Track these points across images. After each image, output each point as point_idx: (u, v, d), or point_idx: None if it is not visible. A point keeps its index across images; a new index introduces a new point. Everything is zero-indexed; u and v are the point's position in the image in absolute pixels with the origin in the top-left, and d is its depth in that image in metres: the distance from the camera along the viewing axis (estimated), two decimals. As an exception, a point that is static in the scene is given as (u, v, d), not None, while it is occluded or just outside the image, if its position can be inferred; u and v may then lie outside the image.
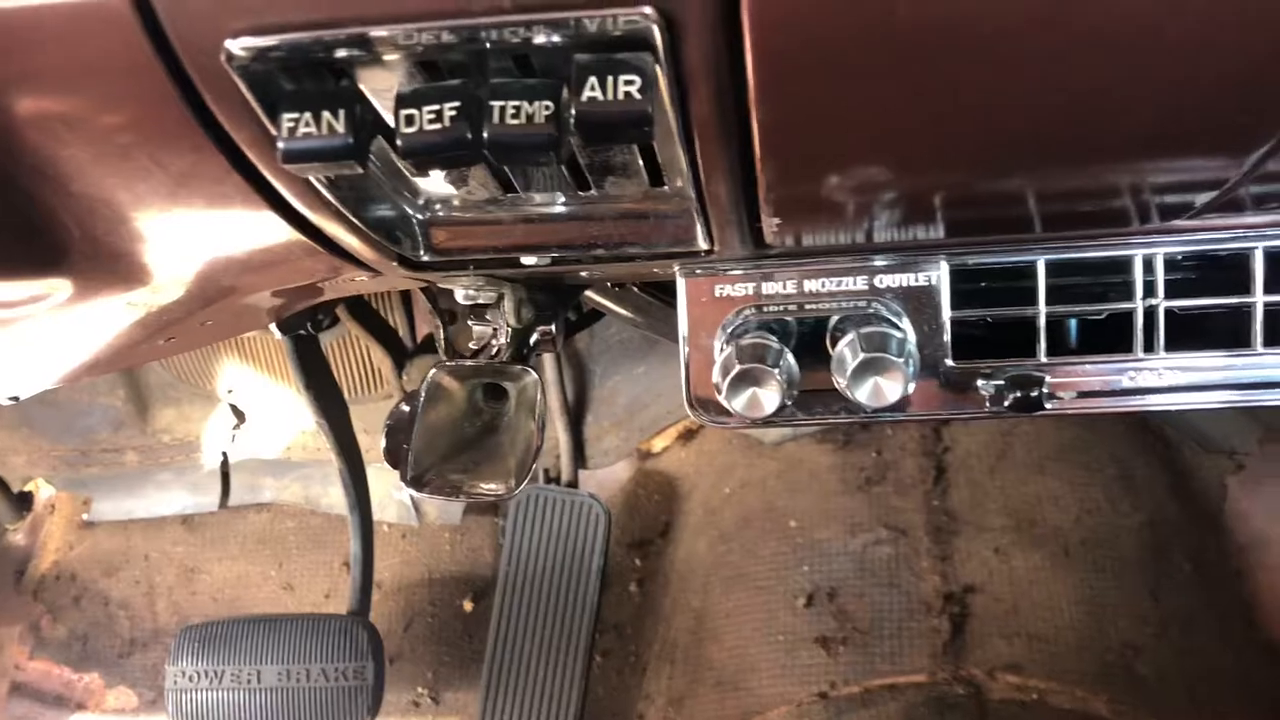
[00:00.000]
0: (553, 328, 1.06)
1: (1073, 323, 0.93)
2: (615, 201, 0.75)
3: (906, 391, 0.82)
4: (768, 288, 0.88)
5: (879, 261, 0.86)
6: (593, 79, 0.56)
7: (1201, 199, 0.72)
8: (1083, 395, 0.87)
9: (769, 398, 0.84)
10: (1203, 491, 1.78)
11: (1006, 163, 0.67)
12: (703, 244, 0.79)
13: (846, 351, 0.83)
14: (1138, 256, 0.85)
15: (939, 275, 0.86)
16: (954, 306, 0.86)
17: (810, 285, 0.88)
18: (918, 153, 0.65)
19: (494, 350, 1.06)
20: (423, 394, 0.99)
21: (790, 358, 0.85)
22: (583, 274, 1.01)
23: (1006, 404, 0.86)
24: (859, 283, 0.87)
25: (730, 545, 1.73)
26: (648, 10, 0.56)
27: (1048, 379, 0.87)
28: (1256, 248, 0.83)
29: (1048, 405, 0.87)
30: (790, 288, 0.88)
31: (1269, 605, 1.73)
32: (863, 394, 0.82)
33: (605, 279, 1.24)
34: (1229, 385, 0.86)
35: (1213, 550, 1.73)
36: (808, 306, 0.88)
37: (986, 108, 0.60)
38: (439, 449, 1.01)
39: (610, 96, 0.56)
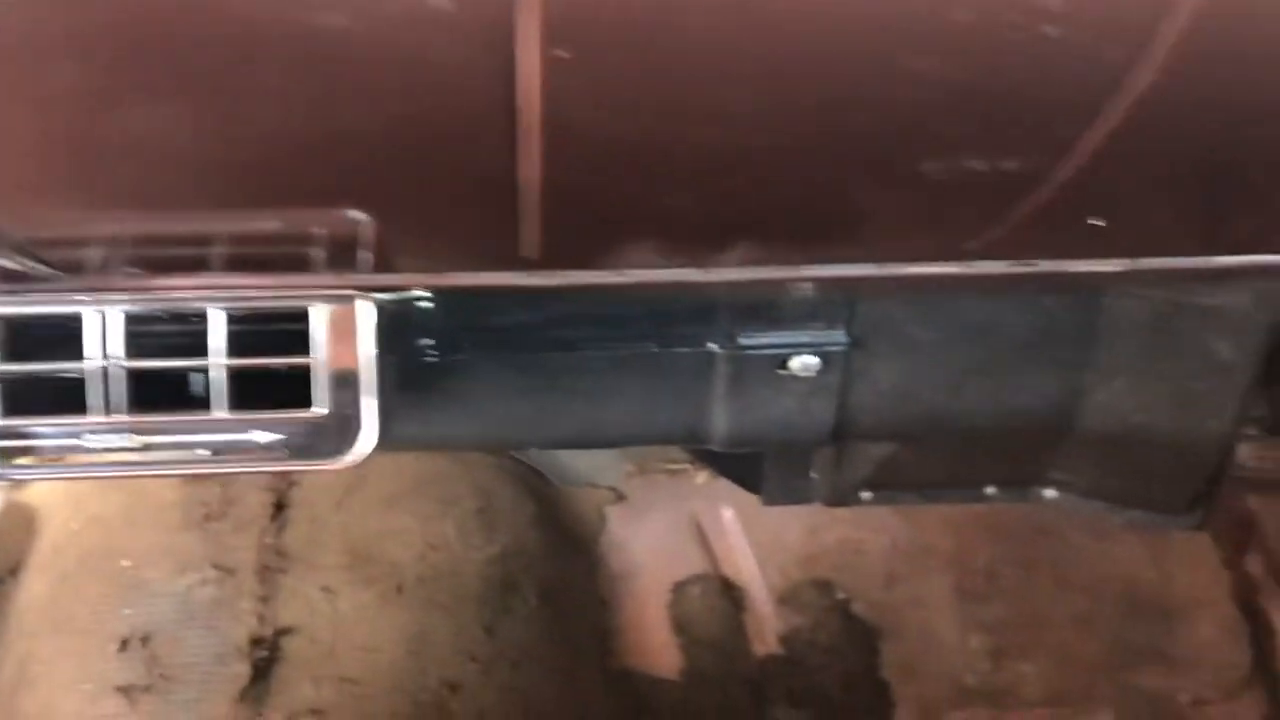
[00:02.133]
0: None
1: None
2: None
3: None
4: None
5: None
6: None
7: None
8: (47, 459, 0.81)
9: None
10: (578, 522, 1.81)
11: None
12: None
13: None
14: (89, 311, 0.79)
15: None
16: None
17: None
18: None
19: None
20: None
21: None
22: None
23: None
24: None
25: (65, 586, 1.61)
26: None
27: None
28: (211, 308, 0.79)
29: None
30: None
31: (631, 634, 1.77)
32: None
33: None
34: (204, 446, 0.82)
35: (578, 581, 1.76)
36: None
37: None
38: None
39: None
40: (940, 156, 0.58)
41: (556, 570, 1.71)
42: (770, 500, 1.59)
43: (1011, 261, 0.74)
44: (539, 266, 0.69)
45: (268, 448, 0.79)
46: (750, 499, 1.85)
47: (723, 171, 0.56)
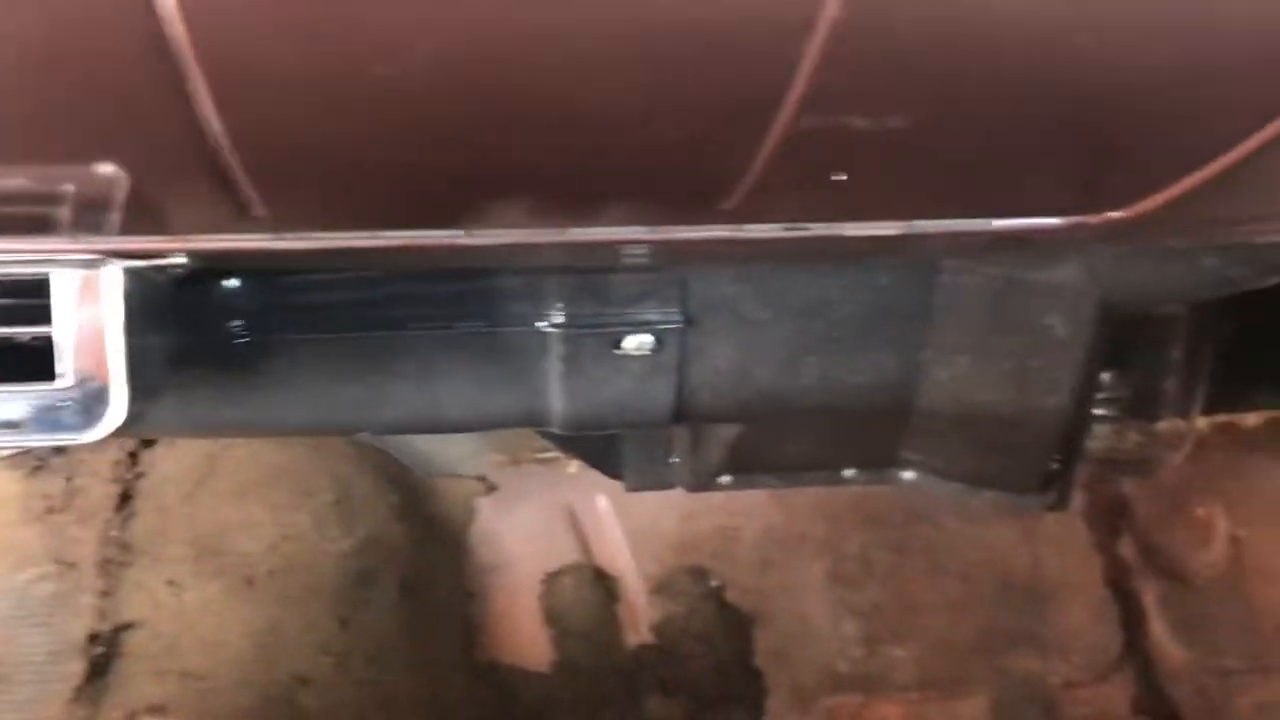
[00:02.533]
0: None
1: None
2: None
3: None
4: None
5: None
6: None
7: None
8: None
9: None
10: (445, 513, 1.78)
11: None
12: None
13: None
14: None
15: None
16: None
17: None
18: None
19: None
20: None
21: None
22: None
23: None
24: None
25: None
26: None
27: None
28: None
29: None
30: None
31: (499, 627, 1.74)
32: None
33: None
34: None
35: (444, 573, 1.72)
36: None
37: None
38: None
39: None
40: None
41: (420, 562, 1.68)
42: (632, 486, 1.57)
43: (784, 225, 0.73)
44: (275, 227, 0.66)
45: (11, 423, 0.75)
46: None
47: (428, 115, 0.53)
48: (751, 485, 1.53)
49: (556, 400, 1.23)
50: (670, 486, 1.62)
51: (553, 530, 1.81)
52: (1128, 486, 1.94)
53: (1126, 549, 1.92)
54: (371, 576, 1.60)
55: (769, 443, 1.44)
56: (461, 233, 0.69)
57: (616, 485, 1.83)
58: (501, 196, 0.64)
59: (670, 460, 1.55)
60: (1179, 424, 1.64)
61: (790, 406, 1.28)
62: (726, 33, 0.50)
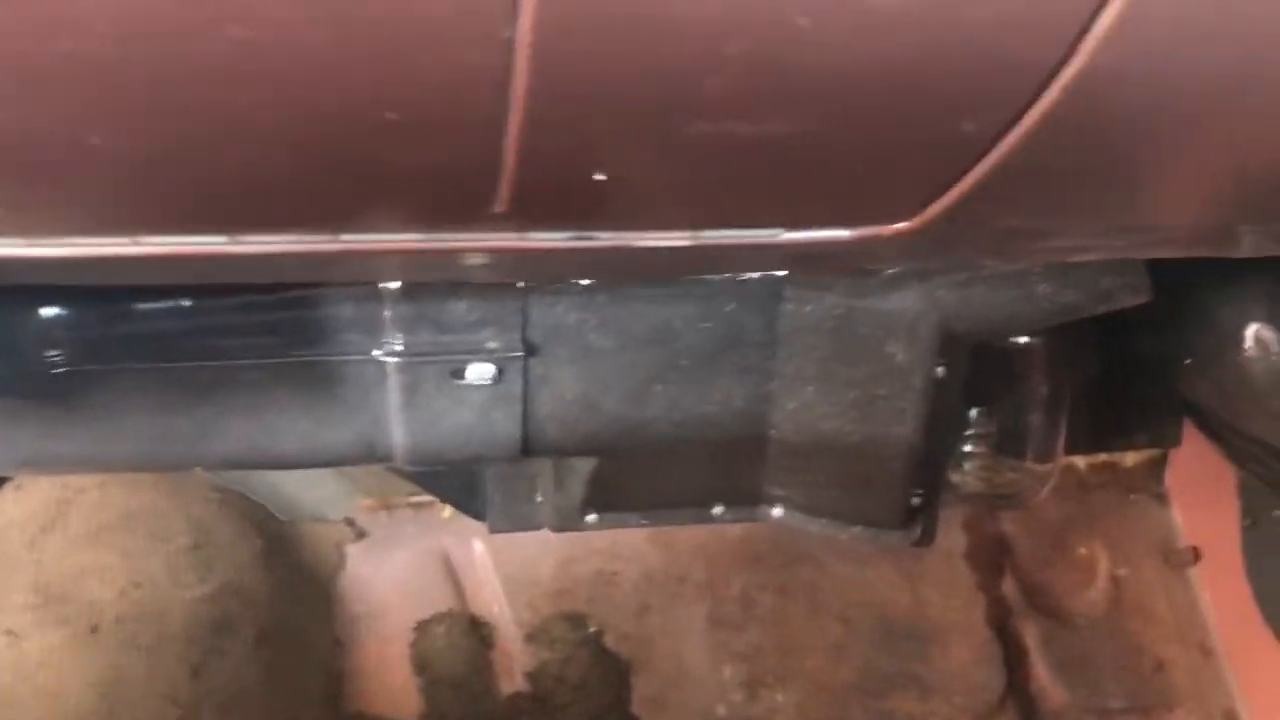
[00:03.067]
0: None
1: None
2: None
3: None
4: None
5: None
6: None
7: None
8: None
9: None
10: (311, 560, 1.73)
11: None
12: None
13: None
14: None
15: None
16: None
17: None
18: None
19: None
20: None
21: None
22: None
23: None
24: None
25: None
26: None
27: None
28: None
29: None
30: None
31: (367, 676, 1.69)
32: None
33: None
34: None
35: (308, 621, 1.67)
36: None
37: None
38: None
39: None
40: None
41: (283, 610, 1.63)
42: (496, 527, 1.55)
43: (571, 234, 0.72)
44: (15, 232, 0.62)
45: None
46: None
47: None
48: (619, 524, 1.51)
49: (397, 433, 1.20)
50: (536, 527, 1.59)
51: (425, 577, 1.77)
52: (1009, 526, 1.95)
53: (1009, 589, 1.92)
54: (228, 624, 1.55)
55: (633, 479, 1.42)
56: (224, 239, 0.66)
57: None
58: (258, 199, 0.62)
59: (535, 499, 1.53)
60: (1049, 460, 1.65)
61: (641, 437, 1.27)
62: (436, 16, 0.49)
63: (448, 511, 1.76)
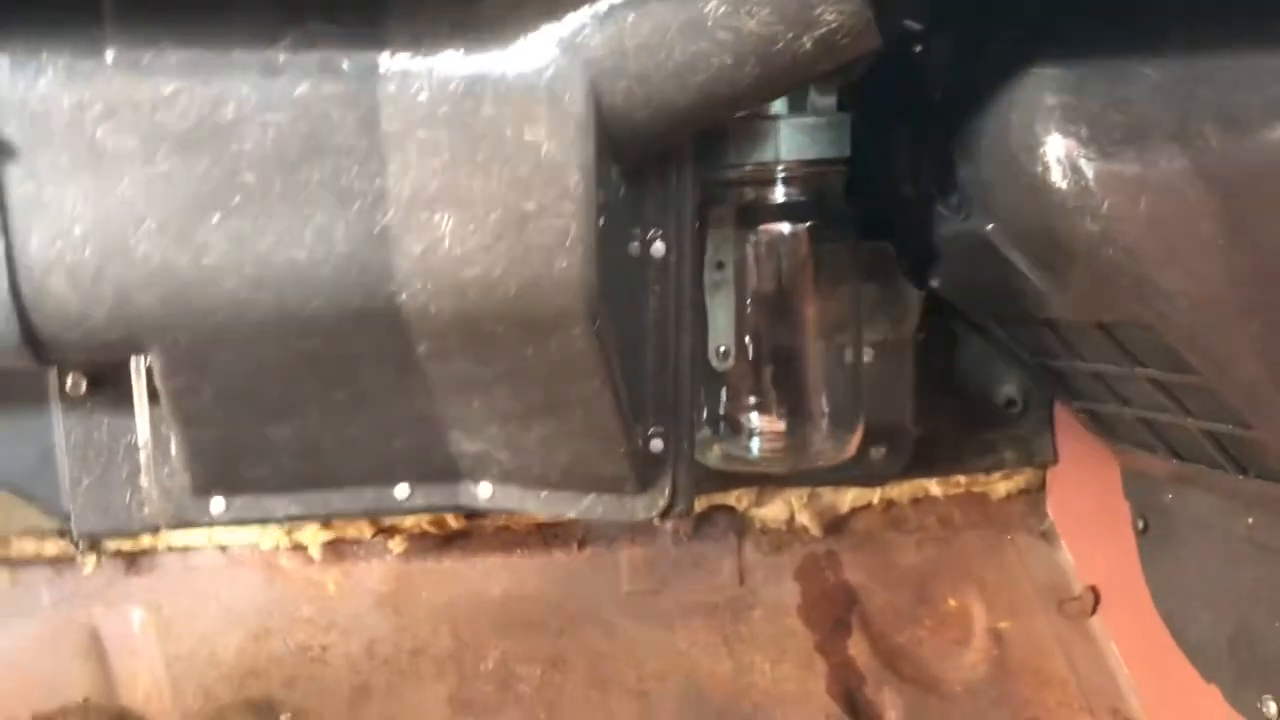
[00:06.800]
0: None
1: None
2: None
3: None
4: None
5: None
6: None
7: None
8: None
9: None
10: None
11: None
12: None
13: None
14: None
15: None
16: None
17: None
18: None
19: None
20: None
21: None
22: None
23: None
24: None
25: None
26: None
27: None
28: None
29: None
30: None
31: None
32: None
33: None
34: None
35: None
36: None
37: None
38: None
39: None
40: None
41: None
42: (84, 528, 1.14)
43: None
44: None
45: None
46: (177, 597, 1.37)
47: None
48: (256, 514, 1.09)
49: None
50: (138, 530, 1.17)
51: (56, 657, 1.31)
52: (855, 574, 1.52)
53: (858, 651, 1.47)
54: None
55: (270, 438, 1.02)
56: None
57: (164, 595, 1.37)
58: None
59: (138, 482, 1.12)
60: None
61: (205, 307, 0.88)
62: None
63: (89, 564, 1.32)
